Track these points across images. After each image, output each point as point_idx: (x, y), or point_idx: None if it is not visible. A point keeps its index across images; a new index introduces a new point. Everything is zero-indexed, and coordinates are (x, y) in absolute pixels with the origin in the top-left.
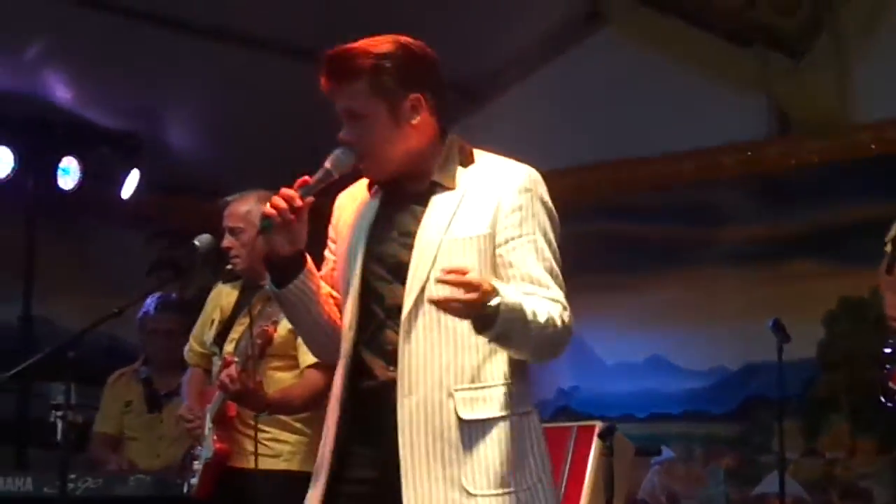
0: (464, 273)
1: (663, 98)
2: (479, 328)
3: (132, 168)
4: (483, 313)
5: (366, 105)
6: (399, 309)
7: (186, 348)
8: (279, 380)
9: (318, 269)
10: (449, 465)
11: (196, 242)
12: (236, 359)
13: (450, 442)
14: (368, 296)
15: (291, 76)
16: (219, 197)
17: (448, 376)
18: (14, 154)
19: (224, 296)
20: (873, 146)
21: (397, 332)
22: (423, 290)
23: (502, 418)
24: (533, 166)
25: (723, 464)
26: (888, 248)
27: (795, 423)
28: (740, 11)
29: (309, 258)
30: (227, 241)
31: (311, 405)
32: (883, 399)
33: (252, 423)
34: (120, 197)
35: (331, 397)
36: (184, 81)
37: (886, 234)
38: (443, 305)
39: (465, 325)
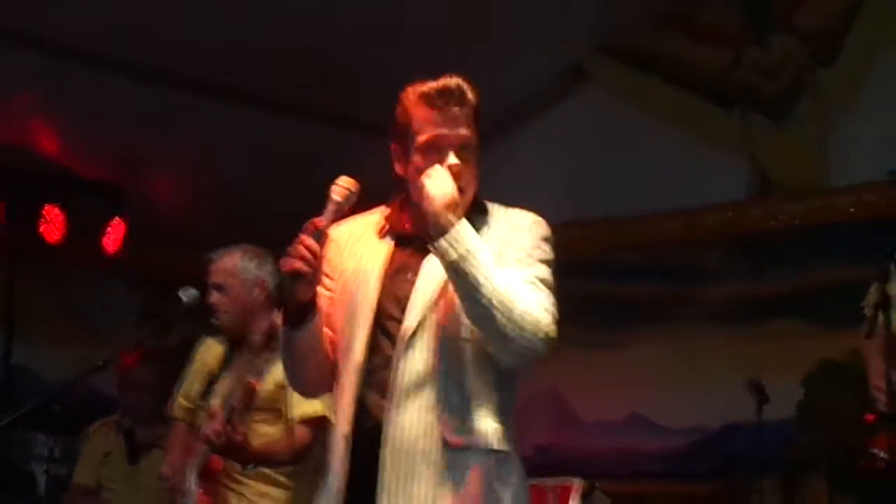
0: None
1: (646, 158)
2: (429, 235)
3: (116, 218)
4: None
5: (473, 137)
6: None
7: (174, 403)
8: (265, 433)
9: None
10: (427, 486)
11: (182, 296)
12: (221, 412)
13: (432, 464)
14: (378, 334)
15: (275, 130)
16: (202, 248)
17: (440, 401)
18: None
19: (210, 350)
20: (852, 209)
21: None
22: (424, 318)
23: (486, 451)
24: None
25: None
26: (867, 311)
27: (774, 483)
28: (723, 72)
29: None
30: (214, 297)
31: (296, 459)
32: (863, 464)
33: (237, 477)
34: (103, 247)
35: (336, 436)
36: (168, 134)
37: (865, 297)
38: None
39: (464, 357)
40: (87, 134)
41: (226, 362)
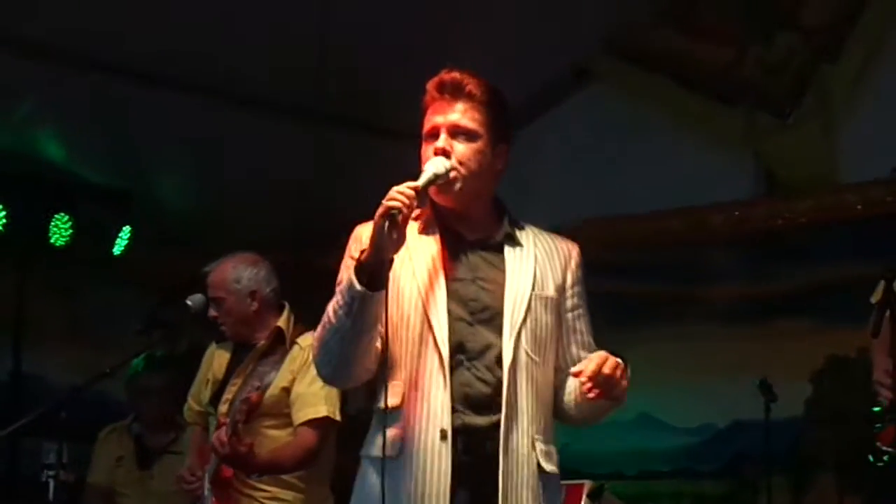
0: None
1: (650, 156)
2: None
3: (124, 224)
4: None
5: (478, 128)
6: (480, 353)
7: (186, 407)
8: (273, 438)
9: None
10: None
11: (189, 302)
12: (227, 421)
13: (533, 490)
14: (450, 335)
15: (281, 134)
16: (209, 253)
17: (532, 427)
18: (6, 210)
19: (217, 357)
20: (859, 206)
21: (475, 376)
22: (517, 339)
23: (558, 474)
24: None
25: None
26: (875, 309)
27: (783, 481)
28: (727, 70)
29: None
30: (213, 310)
31: (302, 464)
32: (871, 458)
33: (249, 482)
34: (111, 253)
35: (416, 433)
36: (175, 137)
37: (872, 294)
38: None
39: (542, 379)
40: (94, 140)
41: (232, 368)
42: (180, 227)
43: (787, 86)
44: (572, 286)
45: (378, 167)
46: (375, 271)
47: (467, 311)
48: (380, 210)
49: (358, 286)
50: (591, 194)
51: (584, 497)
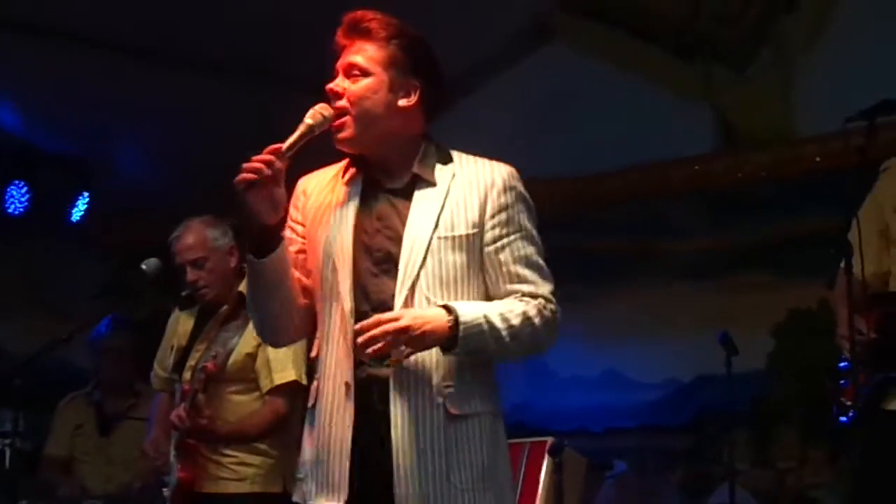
0: (379, 323)
1: (609, 112)
2: (445, 349)
3: (81, 191)
4: (441, 338)
5: (372, 66)
6: (383, 303)
7: (152, 374)
8: (239, 403)
9: None
10: (438, 458)
11: (143, 266)
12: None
13: (439, 437)
14: (356, 287)
15: (239, 99)
16: (166, 219)
17: (437, 373)
18: None
19: (181, 323)
20: (818, 158)
21: None
22: (413, 287)
23: (482, 415)
24: None
25: (676, 476)
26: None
27: (747, 435)
28: (684, 24)
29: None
30: (192, 274)
31: (269, 431)
32: (835, 413)
33: (216, 448)
34: (69, 220)
35: (327, 386)
36: (132, 105)
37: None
38: (374, 355)
39: None
40: (50, 108)
41: (196, 334)
42: (138, 195)
43: (743, 38)
44: (493, 215)
45: None
46: (261, 239)
47: (372, 261)
48: (235, 181)
49: (248, 255)
50: (551, 151)
51: (545, 454)
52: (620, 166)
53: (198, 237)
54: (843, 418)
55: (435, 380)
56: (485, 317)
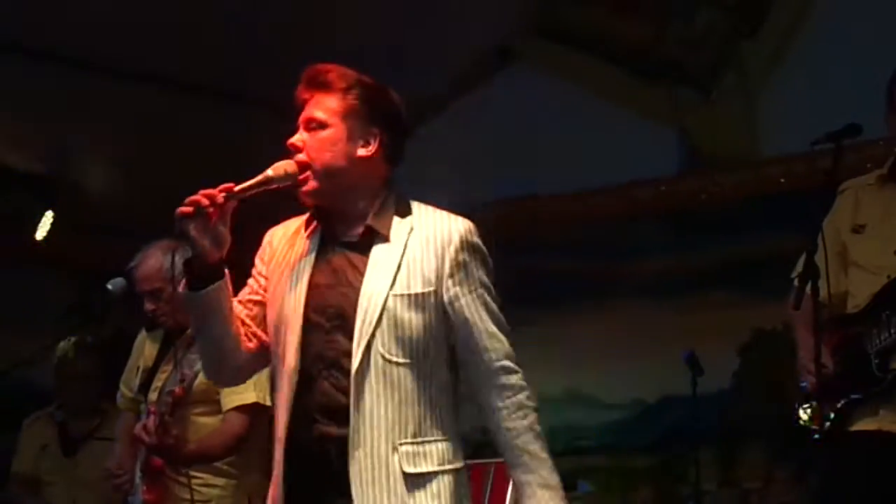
0: None
1: (575, 134)
2: None
3: (46, 210)
4: None
5: (330, 118)
6: (335, 361)
7: (118, 394)
8: (204, 425)
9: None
10: None
11: (109, 286)
12: (156, 410)
13: (396, 494)
14: (307, 344)
15: (204, 116)
16: (133, 238)
17: (393, 431)
18: None
19: (147, 344)
20: (783, 180)
21: (333, 385)
22: (369, 345)
23: (441, 472)
24: (444, 203)
25: (640, 496)
26: (796, 282)
27: (712, 454)
28: (649, 47)
29: (227, 273)
30: (149, 304)
31: (231, 450)
32: (798, 434)
33: (181, 470)
34: (34, 238)
35: (275, 440)
36: (97, 122)
37: (794, 268)
38: None
39: (409, 380)
40: (14, 125)
41: (162, 356)
42: (103, 213)
43: (708, 62)
44: (452, 274)
45: None
46: (198, 273)
47: (325, 318)
48: (175, 212)
49: (185, 290)
50: (516, 173)
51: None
52: (586, 188)
53: (153, 267)
54: (807, 439)
55: (391, 437)
56: (549, 470)
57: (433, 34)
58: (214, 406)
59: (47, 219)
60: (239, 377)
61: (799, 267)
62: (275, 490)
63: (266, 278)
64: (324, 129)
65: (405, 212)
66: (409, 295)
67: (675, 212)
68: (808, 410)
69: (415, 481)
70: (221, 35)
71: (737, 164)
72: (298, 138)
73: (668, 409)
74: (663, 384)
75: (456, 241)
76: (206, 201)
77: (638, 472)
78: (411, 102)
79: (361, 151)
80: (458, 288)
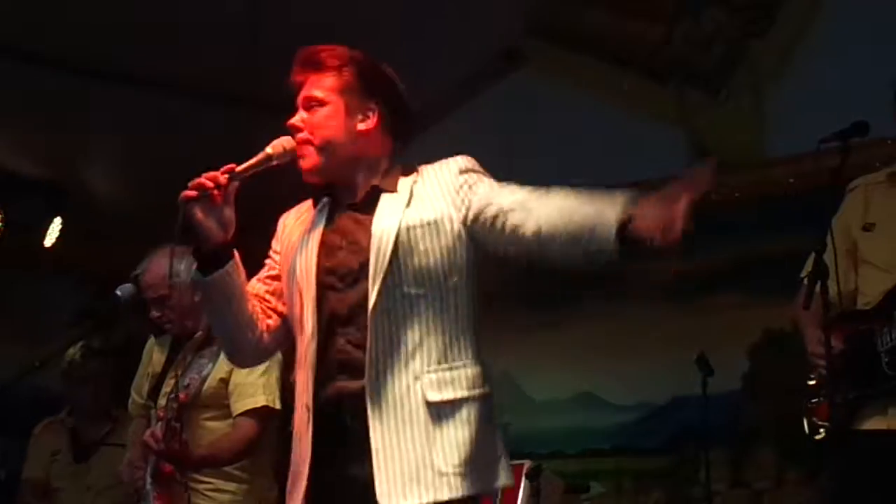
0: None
1: (582, 137)
2: None
3: (55, 216)
4: None
5: (327, 95)
6: (350, 318)
7: (130, 400)
8: (212, 430)
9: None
10: (420, 446)
11: (118, 292)
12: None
13: (418, 424)
14: (322, 306)
15: (216, 122)
16: (143, 243)
17: (415, 361)
18: None
19: (156, 350)
20: (791, 180)
21: (349, 341)
22: (385, 279)
23: (471, 399)
24: None
25: (652, 498)
26: (805, 282)
27: (723, 455)
28: (657, 48)
29: (237, 254)
30: (155, 310)
31: (241, 455)
32: (808, 432)
33: (191, 474)
34: (43, 245)
35: (297, 405)
36: (105, 128)
37: (804, 267)
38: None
39: (429, 310)
40: (25, 132)
41: (170, 361)
42: (112, 219)
43: (716, 62)
44: (458, 191)
45: None
46: (208, 257)
47: (337, 278)
48: (180, 196)
49: (195, 274)
50: (523, 176)
51: (522, 477)
52: (593, 189)
53: (158, 275)
54: (816, 437)
55: (412, 368)
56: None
57: (439, 37)
58: (223, 410)
59: (56, 225)
60: (262, 356)
61: (808, 266)
62: (302, 452)
63: (279, 254)
64: (322, 107)
65: (410, 172)
66: (421, 224)
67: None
68: (817, 402)
69: (440, 409)
70: (232, 39)
71: (745, 164)
72: (298, 118)
73: (679, 410)
74: (674, 385)
75: (454, 168)
76: (210, 184)
77: (649, 473)
78: (417, 105)
79: (361, 126)
80: (468, 193)
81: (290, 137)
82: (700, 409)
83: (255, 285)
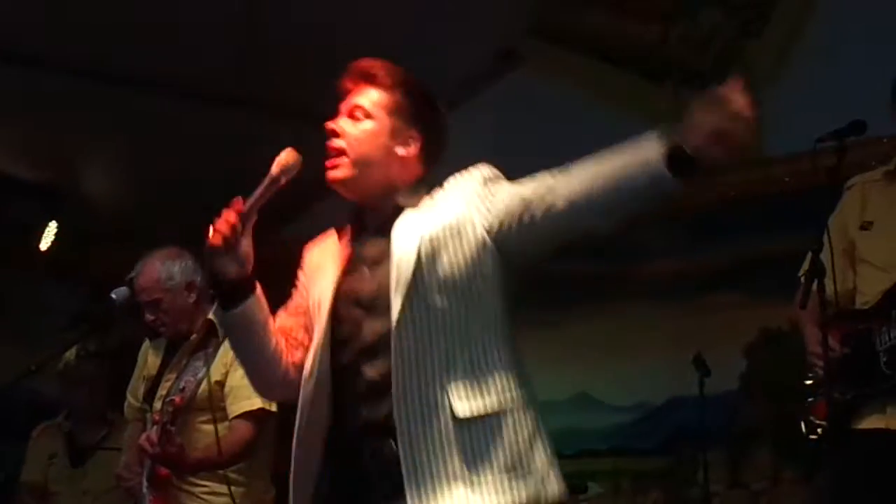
0: None
1: (579, 136)
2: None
3: (50, 219)
4: None
5: (376, 110)
6: (371, 347)
7: (126, 404)
8: (207, 433)
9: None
10: (451, 461)
11: (113, 295)
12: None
13: (448, 439)
14: (340, 339)
15: (209, 123)
16: (139, 246)
17: (443, 373)
18: None
19: (151, 353)
20: (788, 179)
21: (372, 367)
22: (408, 291)
23: (501, 410)
24: None
25: (650, 499)
26: (802, 281)
27: (720, 456)
28: (653, 48)
29: (259, 287)
30: (149, 314)
31: (238, 458)
32: (805, 431)
33: (187, 477)
34: (38, 248)
35: (298, 442)
36: (102, 131)
37: (801, 266)
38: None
39: (459, 318)
40: (19, 135)
41: (166, 364)
42: (107, 222)
43: (712, 62)
44: (483, 198)
45: (315, 156)
46: (228, 293)
47: (358, 305)
48: (205, 247)
49: (217, 311)
50: (521, 175)
51: None
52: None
53: (151, 278)
54: (813, 436)
55: (441, 378)
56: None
57: (438, 37)
58: (220, 413)
59: (51, 229)
60: (289, 390)
61: (805, 265)
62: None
63: (306, 289)
64: (368, 120)
65: (434, 191)
66: (443, 230)
67: (681, 212)
68: (814, 401)
69: (471, 424)
70: (230, 40)
71: (742, 163)
72: (339, 124)
73: (676, 410)
74: (671, 386)
75: (477, 176)
76: (230, 233)
77: (646, 474)
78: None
79: (400, 150)
80: (491, 200)
81: (291, 150)
82: (697, 409)
83: (282, 318)
